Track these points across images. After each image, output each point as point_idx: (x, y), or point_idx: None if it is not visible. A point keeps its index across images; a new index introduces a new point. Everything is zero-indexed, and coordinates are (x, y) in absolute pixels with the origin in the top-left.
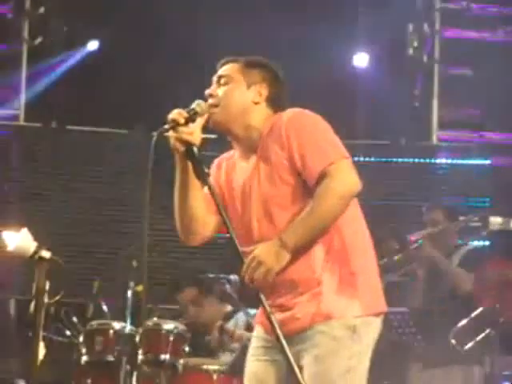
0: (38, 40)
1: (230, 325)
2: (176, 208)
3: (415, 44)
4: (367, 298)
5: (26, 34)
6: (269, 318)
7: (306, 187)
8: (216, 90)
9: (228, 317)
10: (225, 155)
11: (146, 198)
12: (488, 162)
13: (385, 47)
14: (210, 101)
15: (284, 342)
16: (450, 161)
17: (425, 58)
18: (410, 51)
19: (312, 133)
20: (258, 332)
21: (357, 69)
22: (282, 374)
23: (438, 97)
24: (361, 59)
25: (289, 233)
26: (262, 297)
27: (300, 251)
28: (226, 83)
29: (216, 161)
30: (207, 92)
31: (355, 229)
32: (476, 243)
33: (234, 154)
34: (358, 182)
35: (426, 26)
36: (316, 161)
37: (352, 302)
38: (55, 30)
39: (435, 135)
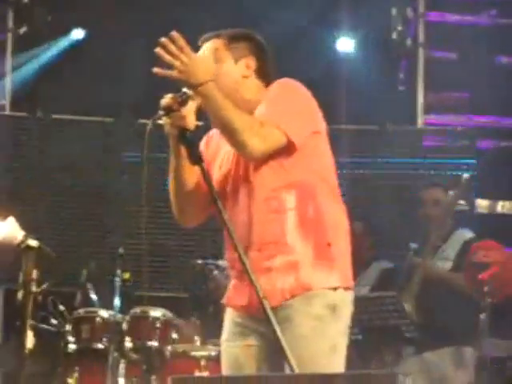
0: (23, 29)
1: None
2: (171, 191)
3: (399, 28)
4: (343, 270)
5: (10, 23)
6: (260, 301)
7: (290, 163)
8: None
9: None
10: (214, 131)
11: (142, 186)
12: (475, 145)
13: (368, 31)
14: None
15: (276, 324)
16: (436, 144)
17: (409, 42)
18: (394, 35)
19: (284, 99)
20: (231, 315)
21: (341, 54)
22: (262, 357)
23: (422, 81)
24: (344, 44)
25: (216, 87)
26: (252, 274)
27: (272, 212)
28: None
29: (204, 138)
30: None
31: (331, 203)
32: (469, 232)
33: None
34: (261, 152)
35: (409, 10)
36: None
37: (330, 273)
38: (40, 18)
39: (420, 119)
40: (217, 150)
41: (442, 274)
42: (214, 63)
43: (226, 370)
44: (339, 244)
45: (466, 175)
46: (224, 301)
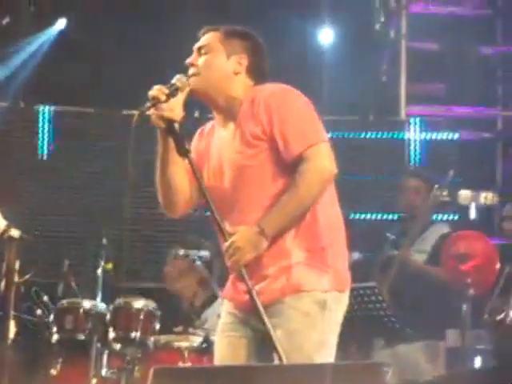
0: (6, 20)
1: (208, 312)
2: (158, 182)
3: (382, 19)
4: (336, 273)
5: None
6: (250, 293)
7: (280, 162)
8: (197, 60)
9: (205, 304)
10: (208, 124)
11: (128, 175)
12: (456, 135)
13: (351, 22)
14: (191, 70)
15: (265, 317)
16: (418, 135)
17: (392, 33)
18: (377, 26)
19: (294, 112)
20: (228, 307)
21: (322, 44)
22: (253, 349)
23: (405, 72)
24: (326, 35)
25: (267, 220)
26: (244, 272)
27: None
28: (206, 53)
29: (199, 129)
30: (187, 61)
31: (328, 205)
32: (446, 227)
33: (215, 122)
34: (334, 167)
35: (392, 1)
36: (296, 142)
37: (321, 276)
38: (22, 9)
39: (403, 110)
40: (207, 147)
41: (420, 266)
42: (207, 54)
43: (218, 359)
44: (333, 247)
45: (451, 171)
46: (221, 293)
